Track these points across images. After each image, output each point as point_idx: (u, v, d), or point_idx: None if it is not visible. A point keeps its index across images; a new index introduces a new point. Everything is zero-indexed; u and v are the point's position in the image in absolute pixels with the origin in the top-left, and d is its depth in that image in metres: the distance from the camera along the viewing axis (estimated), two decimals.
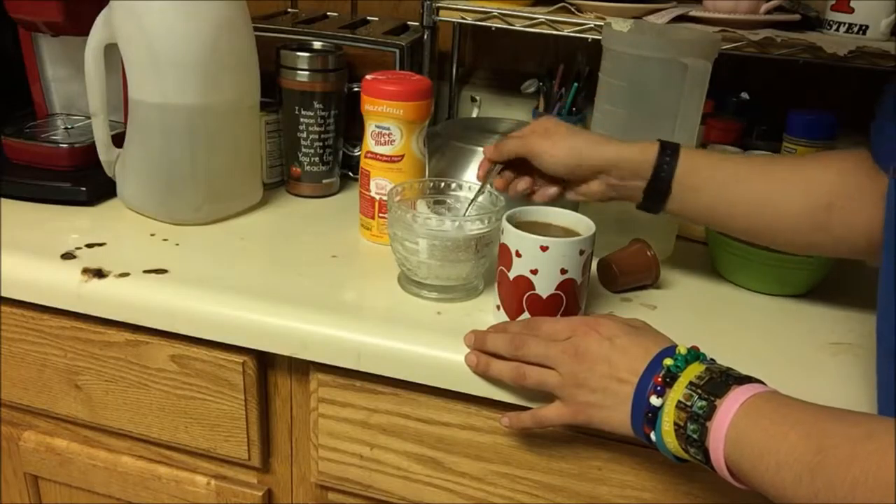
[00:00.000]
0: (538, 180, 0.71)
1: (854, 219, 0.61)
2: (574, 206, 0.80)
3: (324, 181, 0.94)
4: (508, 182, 0.72)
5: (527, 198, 0.72)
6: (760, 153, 0.87)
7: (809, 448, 0.43)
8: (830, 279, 0.77)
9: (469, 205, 0.72)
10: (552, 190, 0.71)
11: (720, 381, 0.50)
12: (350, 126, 0.94)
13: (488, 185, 0.72)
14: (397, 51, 0.96)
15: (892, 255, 0.50)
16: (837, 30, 0.92)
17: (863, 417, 0.45)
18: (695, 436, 0.49)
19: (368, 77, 0.78)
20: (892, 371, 0.50)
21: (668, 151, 0.65)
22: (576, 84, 1.05)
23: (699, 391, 0.50)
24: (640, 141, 0.67)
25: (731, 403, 0.48)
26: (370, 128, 0.79)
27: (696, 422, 0.49)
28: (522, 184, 0.71)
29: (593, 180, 0.68)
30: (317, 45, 0.95)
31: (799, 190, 0.63)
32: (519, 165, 0.71)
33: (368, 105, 0.78)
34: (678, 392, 0.50)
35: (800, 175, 0.64)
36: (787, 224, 0.64)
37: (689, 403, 0.50)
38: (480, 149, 0.86)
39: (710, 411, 0.48)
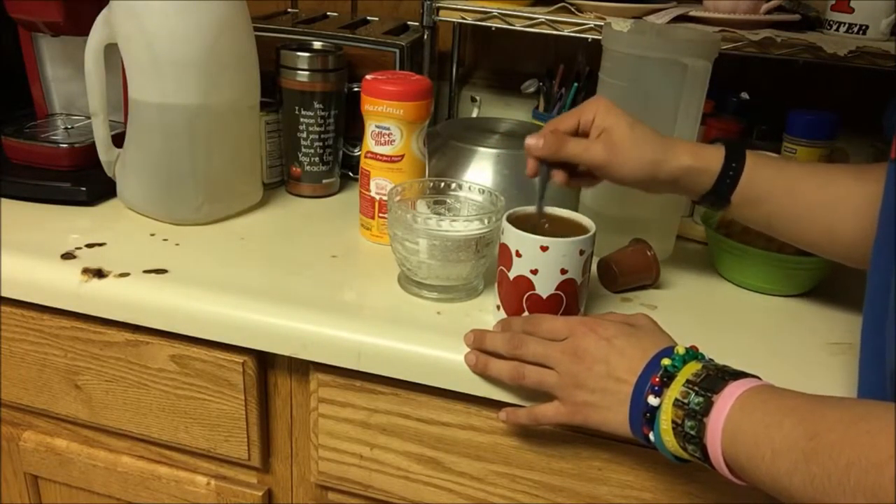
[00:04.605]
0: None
1: None
2: (574, 206, 0.81)
3: (324, 181, 0.94)
4: (567, 176, 0.67)
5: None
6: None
7: (804, 434, 0.43)
8: (830, 279, 0.77)
9: (539, 205, 0.66)
10: (597, 182, 0.68)
11: (716, 377, 0.50)
12: (350, 126, 0.94)
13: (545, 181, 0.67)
14: (397, 51, 0.96)
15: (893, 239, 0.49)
16: (837, 30, 0.92)
17: (857, 402, 0.45)
18: (692, 432, 0.49)
19: (368, 77, 0.78)
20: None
21: (733, 164, 0.63)
22: (576, 84, 1.05)
23: (696, 388, 0.50)
24: (704, 144, 0.65)
25: (727, 398, 0.48)
26: (370, 128, 0.79)
27: (693, 418, 0.49)
28: (588, 181, 0.68)
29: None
30: (317, 45, 0.95)
31: (859, 209, 0.61)
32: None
33: (368, 105, 0.78)
34: (675, 390, 0.50)
35: (860, 191, 0.62)
36: (846, 244, 0.63)
37: (686, 401, 0.50)
38: (480, 149, 0.86)
39: (707, 407, 0.49)
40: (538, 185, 0.66)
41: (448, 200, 0.74)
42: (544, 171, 0.66)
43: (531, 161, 0.66)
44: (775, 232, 0.67)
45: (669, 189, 0.66)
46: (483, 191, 0.73)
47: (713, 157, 0.64)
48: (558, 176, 0.66)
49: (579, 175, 0.68)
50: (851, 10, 0.90)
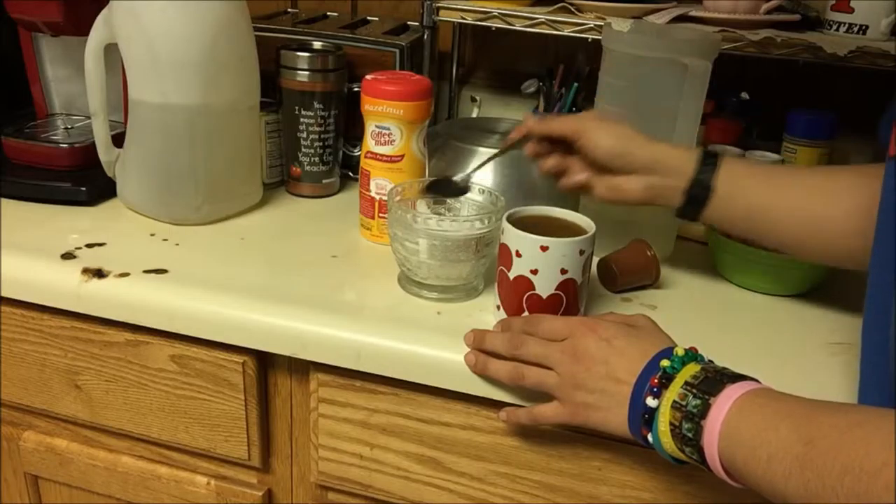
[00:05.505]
0: (572, 164, 0.70)
1: None
2: (574, 206, 0.81)
3: (324, 181, 0.94)
4: (539, 153, 0.71)
5: (555, 180, 0.71)
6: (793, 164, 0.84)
7: (799, 439, 0.43)
8: (830, 279, 0.77)
9: (485, 161, 0.73)
10: (582, 176, 0.69)
11: (715, 379, 0.50)
12: (350, 126, 0.94)
13: (521, 150, 0.71)
14: (397, 51, 0.96)
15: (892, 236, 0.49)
16: (837, 30, 0.92)
17: (853, 408, 0.44)
18: (690, 434, 0.49)
19: (368, 77, 0.78)
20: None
21: (710, 158, 0.65)
22: (576, 84, 1.05)
23: (694, 390, 0.50)
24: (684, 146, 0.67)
25: (725, 401, 0.48)
26: (370, 128, 0.79)
27: (690, 420, 0.49)
28: (552, 161, 0.70)
29: (633, 175, 0.67)
30: (317, 45, 0.95)
31: (835, 195, 0.62)
32: (559, 145, 0.70)
33: (368, 105, 0.78)
34: (674, 392, 0.50)
35: (835, 182, 0.63)
36: (823, 230, 0.63)
37: (683, 403, 0.50)
38: (480, 149, 0.86)
39: (705, 409, 0.49)
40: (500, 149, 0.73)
41: (448, 200, 0.74)
42: (524, 140, 0.71)
43: (521, 129, 0.71)
44: (753, 232, 0.67)
45: (643, 189, 0.66)
46: (483, 191, 0.73)
47: (691, 154, 0.66)
48: (530, 148, 0.71)
49: (574, 169, 0.70)
50: (851, 10, 0.91)
